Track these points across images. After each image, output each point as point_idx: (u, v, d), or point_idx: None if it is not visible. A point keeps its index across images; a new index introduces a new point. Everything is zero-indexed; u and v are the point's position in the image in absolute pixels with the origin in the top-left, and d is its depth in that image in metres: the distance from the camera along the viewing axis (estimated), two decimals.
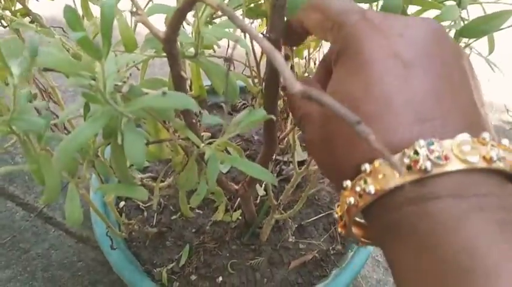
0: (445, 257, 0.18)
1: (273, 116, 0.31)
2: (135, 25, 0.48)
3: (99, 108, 0.26)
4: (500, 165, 0.19)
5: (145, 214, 0.79)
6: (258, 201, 0.82)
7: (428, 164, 0.19)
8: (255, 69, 0.50)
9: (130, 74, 0.30)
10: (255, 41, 0.20)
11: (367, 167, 0.21)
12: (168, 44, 0.25)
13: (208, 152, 0.33)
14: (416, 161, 0.19)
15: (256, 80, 0.52)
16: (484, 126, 0.21)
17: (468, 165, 0.18)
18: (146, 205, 0.81)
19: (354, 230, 0.27)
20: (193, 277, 0.71)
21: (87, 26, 0.38)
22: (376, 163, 0.21)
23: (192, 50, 0.35)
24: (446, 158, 0.19)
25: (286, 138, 0.81)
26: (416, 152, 0.19)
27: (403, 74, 0.21)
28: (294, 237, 0.78)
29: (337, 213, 0.26)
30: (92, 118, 0.26)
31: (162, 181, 0.54)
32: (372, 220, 0.23)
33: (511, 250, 0.17)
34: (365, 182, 0.21)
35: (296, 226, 0.80)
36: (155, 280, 0.69)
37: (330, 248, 0.78)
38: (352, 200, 0.22)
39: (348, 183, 0.23)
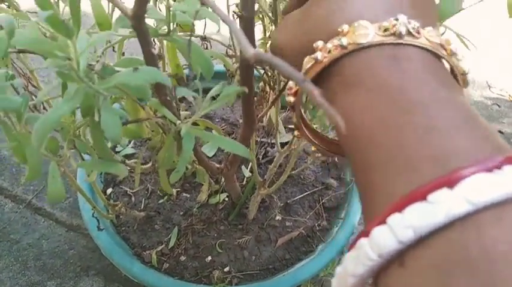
0: (397, 97, 0.20)
1: (246, 89, 0.32)
2: (113, 9, 0.48)
3: (74, 86, 0.27)
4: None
5: (133, 199, 0.80)
6: (244, 182, 0.84)
7: (404, 29, 0.20)
8: (232, 48, 0.51)
9: (102, 53, 0.31)
10: (217, 14, 0.21)
11: (345, 27, 0.21)
12: (136, 20, 0.26)
13: (184, 128, 0.34)
14: (394, 25, 0.20)
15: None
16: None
17: (433, 46, 0.21)
18: (134, 191, 0.82)
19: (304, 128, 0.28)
20: (182, 258, 0.73)
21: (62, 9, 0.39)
22: (356, 23, 0.21)
23: (165, 28, 0.36)
24: (418, 32, 0.20)
25: (268, 120, 0.82)
26: (396, 19, 0.20)
27: None
28: (280, 215, 0.80)
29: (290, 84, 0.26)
30: (67, 96, 0.27)
31: (145, 163, 0.55)
32: (330, 77, 0.23)
33: (437, 88, 0.19)
34: (339, 39, 0.21)
35: (282, 204, 0.82)
36: (145, 262, 0.71)
37: (316, 224, 0.81)
38: (319, 55, 0.22)
39: (319, 43, 0.22)
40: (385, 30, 0.20)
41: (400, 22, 0.20)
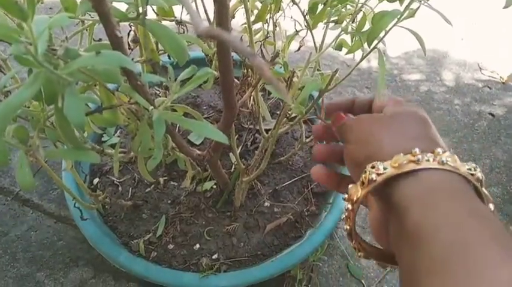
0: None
1: (214, 72, 0.31)
2: None
3: (34, 71, 0.27)
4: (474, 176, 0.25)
5: (120, 188, 0.80)
6: (232, 170, 0.83)
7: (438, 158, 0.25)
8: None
9: (66, 37, 0.30)
10: None
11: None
12: (96, 1, 0.25)
13: (156, 114, 0.33)
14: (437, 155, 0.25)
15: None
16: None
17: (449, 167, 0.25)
18: (121, 180, 0.81)
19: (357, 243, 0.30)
20: (170, 246, 0.72)
21: None
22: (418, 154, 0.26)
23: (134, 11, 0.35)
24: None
25: (256, 105, 0.81)
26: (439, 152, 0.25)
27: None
28: (269, 201, 0.80)
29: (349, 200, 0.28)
30: (27, 81, 0.26)
31: (126, 152, 0.54)
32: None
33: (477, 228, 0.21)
34: (385, 168, 0.26)
35: (271, 190, 0.82)
36: (133, 251, 0.71)
37: (304, 210, 0.80)
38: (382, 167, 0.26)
39: (401, 156, 0.26)
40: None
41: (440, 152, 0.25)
